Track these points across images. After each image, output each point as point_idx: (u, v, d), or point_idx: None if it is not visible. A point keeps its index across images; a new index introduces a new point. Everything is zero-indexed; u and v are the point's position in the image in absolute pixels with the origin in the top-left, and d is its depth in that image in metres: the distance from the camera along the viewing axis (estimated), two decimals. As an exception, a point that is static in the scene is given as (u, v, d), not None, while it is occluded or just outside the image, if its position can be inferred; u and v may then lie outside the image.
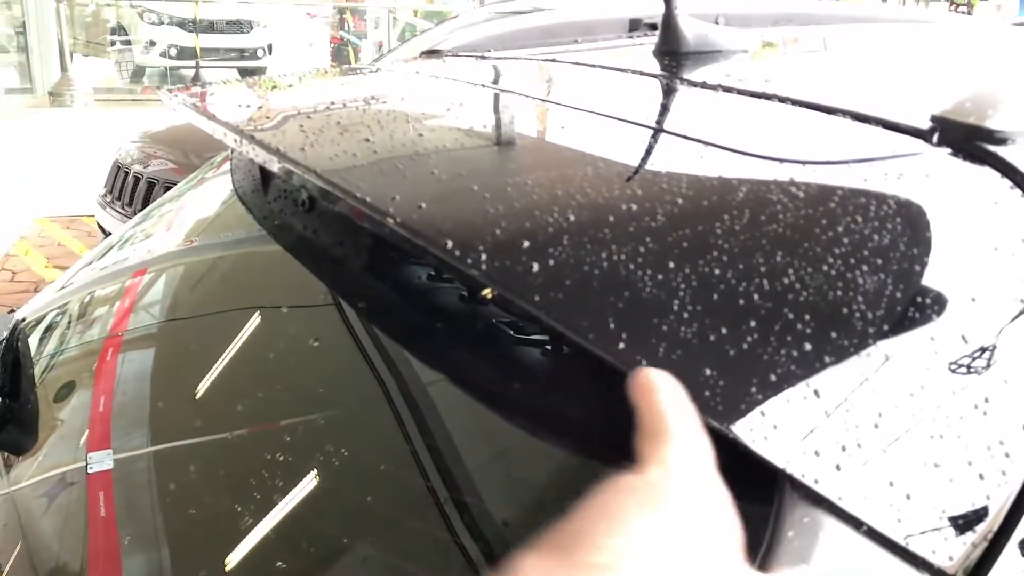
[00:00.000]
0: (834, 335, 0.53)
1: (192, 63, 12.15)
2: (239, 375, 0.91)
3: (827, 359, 0.52)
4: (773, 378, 0.51)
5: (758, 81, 0.94)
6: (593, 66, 1.12)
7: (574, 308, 0.52)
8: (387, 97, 0.98)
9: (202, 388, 0.90)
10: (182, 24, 12.51)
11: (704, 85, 0.94)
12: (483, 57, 1.33)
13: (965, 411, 0.53)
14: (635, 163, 0.69)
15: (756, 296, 0.54)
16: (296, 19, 15.50)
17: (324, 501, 0.73)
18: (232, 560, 0.71)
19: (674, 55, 1.13)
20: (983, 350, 0.55)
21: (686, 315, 0.52)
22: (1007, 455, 0.53)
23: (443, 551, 0.65)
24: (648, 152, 0.73)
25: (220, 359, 0.91)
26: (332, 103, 0.96)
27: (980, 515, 0.51)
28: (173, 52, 12.54)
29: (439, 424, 0.70)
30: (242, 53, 13.11)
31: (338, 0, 15.03)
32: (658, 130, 0.77)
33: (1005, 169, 0.65)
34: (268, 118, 0.87)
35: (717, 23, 1.82)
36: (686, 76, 1.00)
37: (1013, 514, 0.52)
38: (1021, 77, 0.98)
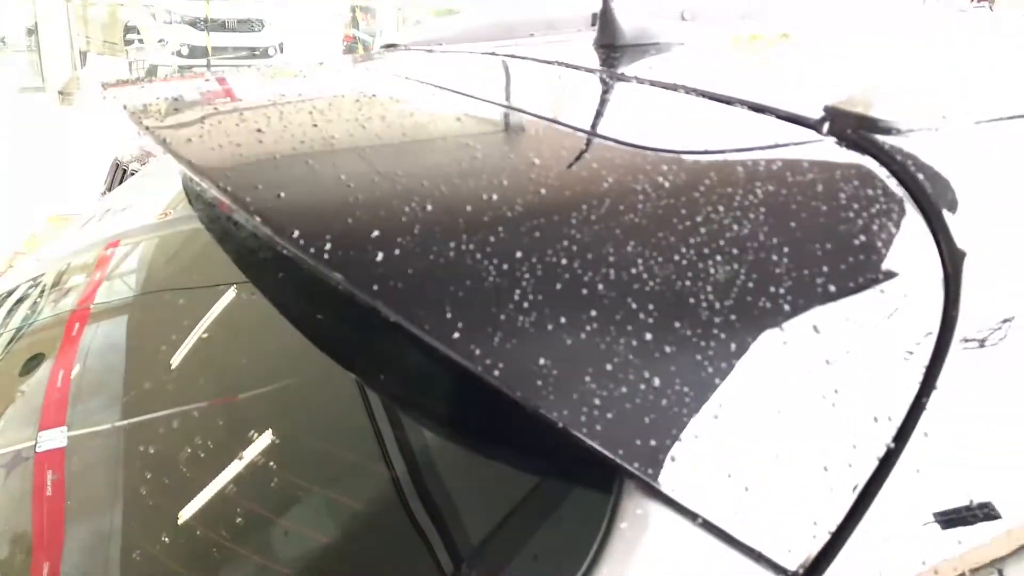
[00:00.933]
0: (677, 325, 0.52)
1: (204, 61, 12.24)
2: (202, 351, 0.91)
3: (668, 349, 0.51)
4: (609, 368, 0.50)
5: (672, 73, 0.94)
6: (518, 58, 1.12)
7: (412, 298, 0.51)
8: (305, 90, 0.98)
9: (166, 364, 0.91)
10: (194, 23, 12.59)
11: (618, 77, 0.93)
12: (429, 51, 1.33)
13: (812, 403, 0.52)
14: (514, 153, 0.69)
15: (601, 286, 0.53)
16: (309, 17, 15.53)
17: (286, 477, 0.73)
18: (182, 540, 0.71)
19: (610, 48, 1.12)
20: (837, 340, 0.54)
21: (525, 305, 0.52)
22: (854, 447, 0.52)
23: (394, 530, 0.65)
24: (531, 142, 0.72)
25: (184, 336, 0.91)
26: (244, 98, 0.96)
27: (822, 508, 0.51)
28: (185, 51, 12.61)
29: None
30: (253, 51, 13.18)
31: (350, -2, 15.08)
32: (552, 121, 0.77)
33: (886, 159, 0.64)
34: (177, 111, 0.87)
35: (684, 18, 1.82)
36: (603, 68, 1.00)
37: (857, 507, 0.51)
38: (940, 67, 0.97)
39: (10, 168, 6.76)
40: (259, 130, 0.74)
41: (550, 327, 0.51)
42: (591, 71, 1.01)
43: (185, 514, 0.72)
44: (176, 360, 0.89)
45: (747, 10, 1.83)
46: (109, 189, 4.11)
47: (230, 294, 0.93)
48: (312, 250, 0.53)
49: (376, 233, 0.55)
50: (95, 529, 0.80)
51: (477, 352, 0.49)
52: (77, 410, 0.94)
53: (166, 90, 1.09)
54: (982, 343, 0.57)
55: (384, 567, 0.61)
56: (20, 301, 1.25)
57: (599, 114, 0.83)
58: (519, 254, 0.54)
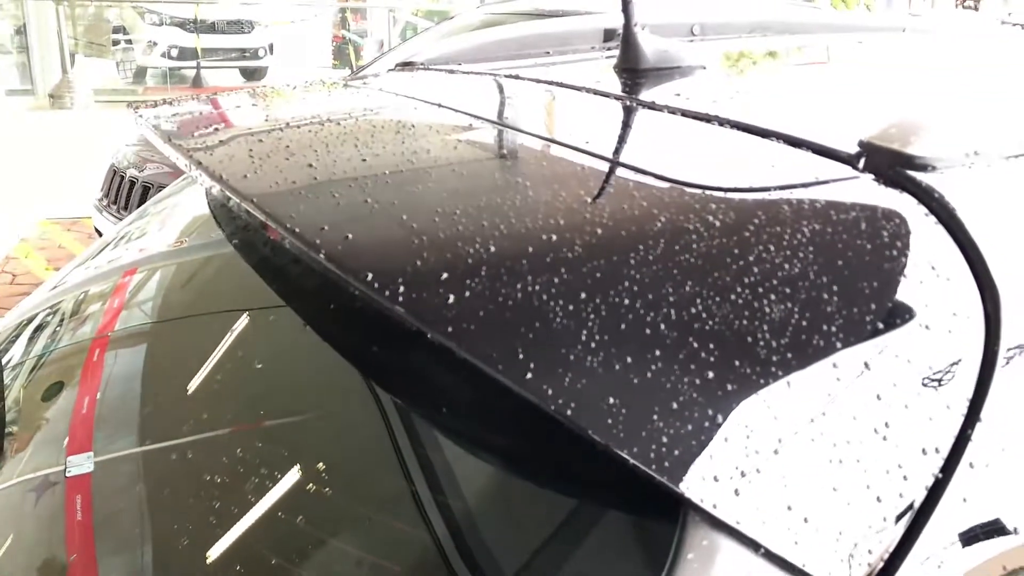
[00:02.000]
0: (737, 363, 0.55)
1: (193, 63, 12.20)
2: (224, 377, 0.93)
3: (729, 387, 0.54)
4: (675, 406, 0.53)
5: (703, 101, 0.96)
6: (545, 83, 1.14)
7: (484, 339, 0.54)
8: (342, 118, 1.00)
9: (188, 390, 0.92)
10: (183, 24, 12.55)
11: (652, 106, 0.96)
12: (451, 72, 1.35)
13: (865, 436, 0.55)
14: (564, 191, 0.71)
15: (663, 326, 0.56)
16: (298, 18, 15.51)
17: (309, 503, 0.75)
18: (212, 565, 0.73)
19: (633, 72, 1.15)
20: (885, 375, 0.57)
21: (593, 345, 0.54)
22: (904, 478, 0.55)
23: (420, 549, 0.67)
24: (578, 178, 0.74)
25: (204, 361, 0.93)
26: (287, 124, 0.99)
27: (877, 537, 0.53)
28: (174, 53, 12.57)
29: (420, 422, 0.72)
30: (243, 53, 13.15)
31: (340, -1, 15.07)
32: (592, 154, 0.79)
33: (924, 197, 0.67)
34: (221, 142, 0.90)
35: (693, 33, 1.84)
36: (632, 95, 1.02)
37: (909, 535, 0.54)
38: (962, 94, 0.99)
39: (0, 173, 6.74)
40: (310, 165, 0.77)
41: (617, 367, 0.53)
42: (621, 99, 1.03)
43: (210, 539, 0.74)
44: (196, 386, 0.91)
45: (754, 24, 1.86)
46: (106, 194, 4.12)
47: (247, 320, 0.95)
48: (387, 293, 0.55)
49: (445, 275, 0.57)
50: (125, 553, 0.82)
51: (550, 392, 0.52)
52: (102, 435, 0.96)
53: (194, 108, 1.11)
54: (1022, 377, 0.59)
55: None
56: (40, 329, 1.26)
57: (643, 149, 0.86)
58: (583, 295, 0.57)
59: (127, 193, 3.96)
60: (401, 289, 0.56)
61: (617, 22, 1.87)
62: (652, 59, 1.15)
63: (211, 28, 12.75)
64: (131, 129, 4.49)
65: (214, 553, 0.73)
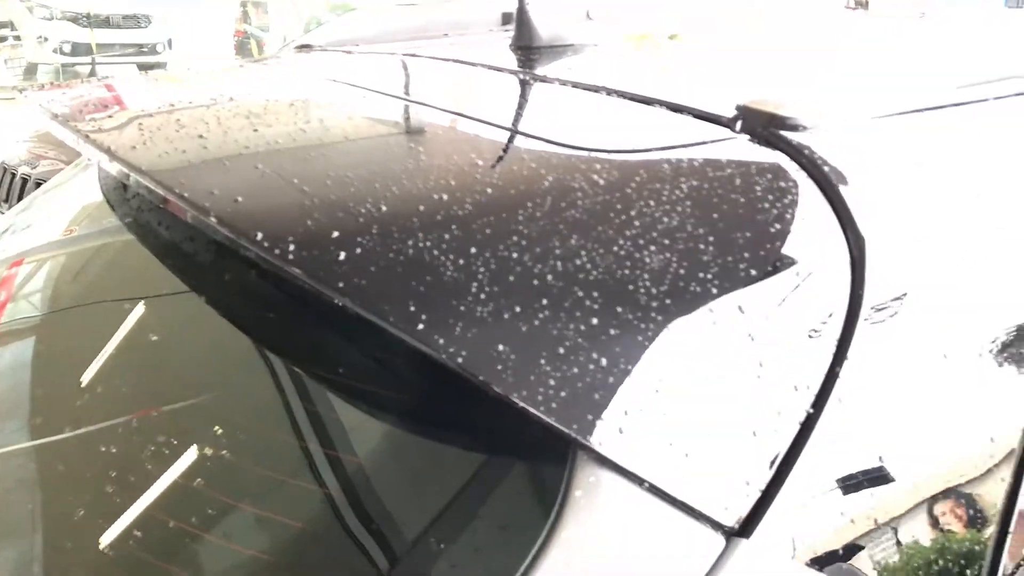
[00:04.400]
0: (619, 309, 0.57)
1: (88, 59, 11.79)
2: (115, 365, 0.92)
3: (612, 332, 0.56)
4: (561, 351, 0.55)
5: (592, 75, 0.99)
6: (438, 59, 1.16)
7: (377, 294, 0.55)
8: (235, 94, 1.00)
9: (78, 380, 0.91)
10: (75, 19, 12.10)
11: (544, 79, 0.98)
12: (347, 52, 1.35)
13: (740, 375, 0.58)
14: (456, 154, 0.73)
15: (550, 276, 0.58)
16: (198, 12, 15.13)
17: (199, 491, 0.74)
18: (101, 556, 0.72)
19: (527, 49, 1.17)
20: (759, 318, 0.60)
21: (483, 296, 0.56)
22: (778, 413, 0.58)
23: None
24: (468, 143, 0.76)
25: (94, 351, 0.92)
26: (180, 102, 0.97)
27: (753, 469, 0.56)
28: (67, 48, 12.10)
29: (303, 401, 0.73)
30: (140, 48, 12.75)
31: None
32: (481, 121, 0.81)
33: (795, 154, 0.71)
34: (111, 118, 0.88)
35: (589, 17, 1.88)
36: (522, 69, 1.05)
37: (783, 467, 0.57)
38: (833, 67, 1.05)
39: None
40: (201, 136, 0.76)
41: (506, 316, 0.55)
42: (515, 73, 1.05)
43: (104, 531, 0.74)
44: (90, 375, 0.90)
45: (646, 7, 1.91)
46: (-3, 193, 3.96)
47: (137, 309, 0.94)
48: (276, 252, 0.56)
49: (336, 234, 0.58)
50: (14, 546, 0.80)
51: (441, 341, 0.53)
52: None
53: (86, 93, 1.09)
54: (885, 318, 0.64)
55: (357, 552, 0.64)
56: None
57: (533, 116, 0.88)
58: (473, 249, 0.59)
59: (19, 191, 3.81)
60: (291, 248, 0.56)
61: (510, 8, 1.90)
62: (546, 37, 1.17)
63: (106, 22, 12.33)
64: (22, 125, 4.32)
65: (105, 546, 0.73)
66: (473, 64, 1.10)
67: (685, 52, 1.28)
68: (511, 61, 1.12)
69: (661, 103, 0.83)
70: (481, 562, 0.56)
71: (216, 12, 15.17)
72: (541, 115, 0.88)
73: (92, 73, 11.71)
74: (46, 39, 12.06)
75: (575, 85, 0.93)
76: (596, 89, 0.90)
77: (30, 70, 12.51)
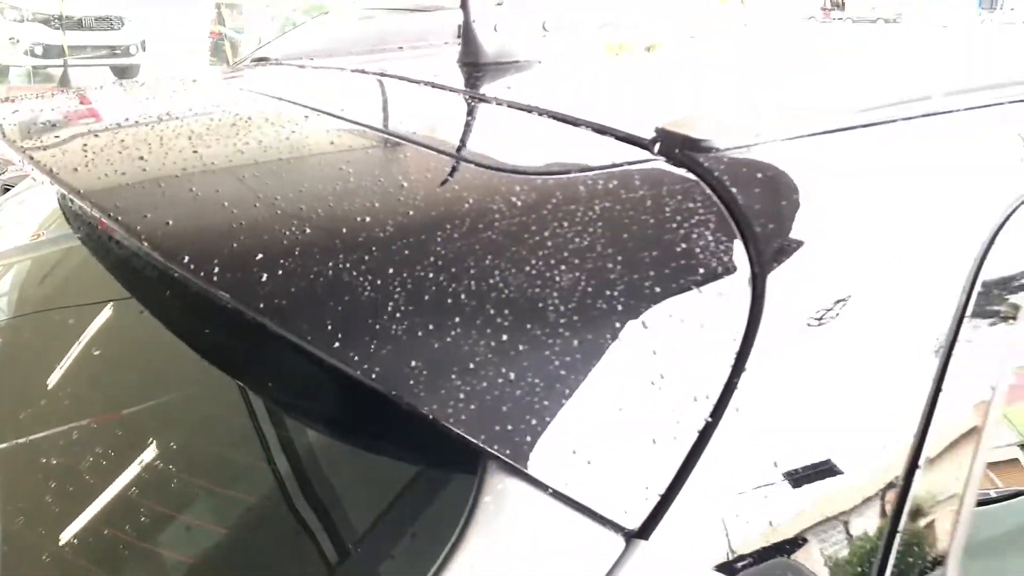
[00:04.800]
0: (529, 326, 0.61)
1: (60, 61, 11.69)
2: (72, 371, 0.94)
3: (521, 347, 0.60)
4: (471, 366, 0.58)
5: (528, 94, 1.03)
6: (385, 76, 1.20)
7: (295, 314, 0.59)
8: (182, 113, 1.03)
9: (36, 385, 0.93)
10: (47, 20, 12.00)
11: (480, 98, 1.02)
12: (300, 67, 1.38)
13: (642, 386, 0.62)
14: (383, 176, 0.76)
15: (462, 295, 0.61)
16: (172, 13, 15.05)
17: (158, 485, 0.77)
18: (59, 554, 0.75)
19: (472, 66, 1.20)
20: (661, 332, 0.64)
21: (397, 315, 0.60)
22: (677, 422, 0.62)
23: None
24: (397, 164, 0.80)
25: (53, 356, 0.94)
26: (126, 120, 1.00)
27: (652, 475, 0.60)
28: (39, 50, 12.01)
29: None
30: (114, 50, 12.67)
31: (215, -6, 14.70)
32: (418, 144, 0.85)
33: (705, 175, 0.75)
34: (59, 136, 0.91)
35: (545, 28, 1.92)
36: (467, 88, 1.08)
37: (681, 473, 0.61)
38: (764, 83, 1.09)
39: None
40: (142, 157, 0.79)
41: (420, 333, 0.59)
42: (455, 91, 1.09)
43: (62, 529, 0.77)
44: (55, 378, 0.93)
45: (604, 20, 1.95)
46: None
47: (96, 314, 0.97)
48: (202, 274, 0.59)
49: (260, 256, 0.62)
50: None
51: (355, 358, 0.57)
52: None
53: (38, 107, 1.12)
54: (783, 331, 0.68)
55: (276, 557, 0.67)
56: None
57: (462, 136, 0.92)
58: (391, 270, 0.62)
59: (-13, 196, 3.80)
60: (216, 270, 0.60)
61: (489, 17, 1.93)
62: (491, 54, 1.21)
63: (78, 24, 12.23)
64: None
65: (64, 544, 0.76)
66: (413, 81, 1.13)
67: (630, 67, 1.32)
68: (452, 78, 1.15)
69: (587, 124, 0.87)
70: (393, 566, 0.60)
71: (190, 13, 15.10)
72: (470, 136, 0.92)
73: (64, 75, 11.62)
74: (17, 41, 11.96)
75: (510, 105, 0.97)
76: (529, 109, 0.94)
77: (1, 72, 12.40)
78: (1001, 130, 0.91)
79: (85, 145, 0.84)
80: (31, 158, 0.79)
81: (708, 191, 0.73)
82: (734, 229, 0.71)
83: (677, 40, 1.67)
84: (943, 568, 0.68)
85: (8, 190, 3.66)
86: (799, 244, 0.73)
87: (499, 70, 1.18)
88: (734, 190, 0.73)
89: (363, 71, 1.24)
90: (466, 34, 1.21)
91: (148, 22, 13.35)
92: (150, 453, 0.79)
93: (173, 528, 0.72)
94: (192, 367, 0.81)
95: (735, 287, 0.68)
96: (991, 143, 0.88)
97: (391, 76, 1.20)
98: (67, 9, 11.92)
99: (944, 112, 0.88)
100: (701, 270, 0.67)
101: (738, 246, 0.70)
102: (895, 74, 1.10)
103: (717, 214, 0.72)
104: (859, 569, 0.67)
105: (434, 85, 1.10)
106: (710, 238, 0.70)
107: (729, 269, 0.68)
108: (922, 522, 0.68)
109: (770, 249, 0.70)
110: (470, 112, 0.99)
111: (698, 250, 0.69)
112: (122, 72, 12.96)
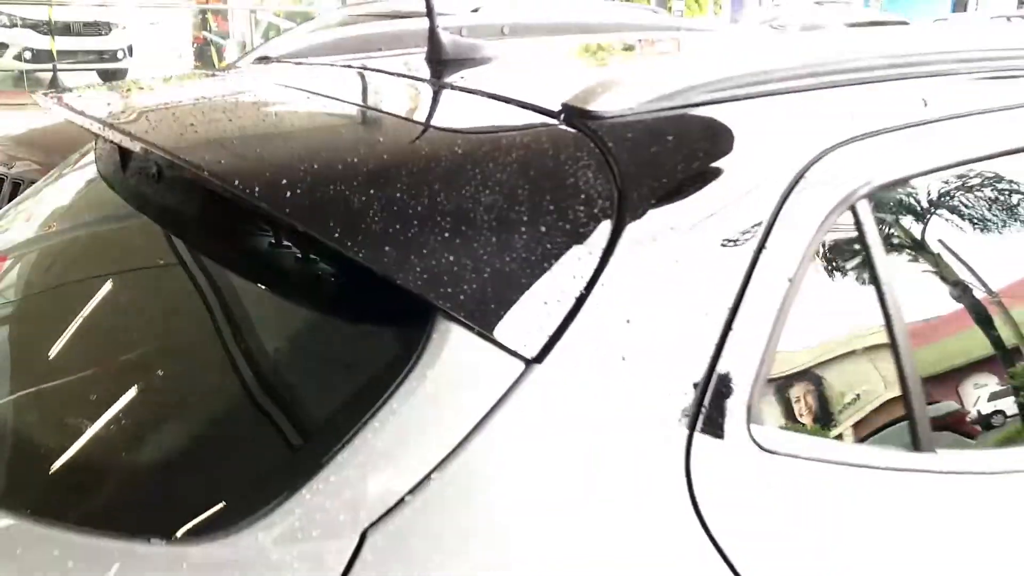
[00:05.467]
0: (464, 228, 0.93)
1: (49, 66, 11.96)
2: (86, 336, 1.22)
3: (457, 240, 0.92)
4: (426, 252, 0.90)
5: (477, 82, 1.35)
6: (367, 70, 1.52)
7: (314, 215, 0.90)
8: (212, 94, 1.35)
9: (76, 345, 1.22)
10: (36, 26, 12.26)
11: (440, 85, 1.35)
12: (298, 64, 1.70)
13: (541, 264, 0.93)
14: (366, 134, 1.08)
15: (420, 207, 0.93)
16: (158, 19, 15.32)
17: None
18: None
19: (436, 62, 1.52)
20: (555, 228, 0.95)
21: (378, 217, 0.91)
22: (562, 288, 0.93)
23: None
24: (376, 128, 1.12)
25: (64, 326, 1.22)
26: (171, 100, 1.32)
27: (547, 319, 0.91)
28: (28, 55, 12.27)
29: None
30: (101, 55, 12.94)
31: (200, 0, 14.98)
32: (387, 113, 1.17)
33: (593, 137, 1.06)
34: (123, 112, 1.23)
35: (504, 33, 2.24)
36: (431, 79, 1.41)
37: (572, 313, 0.91)
38: (659, 64, 1.40)
39: None
40: (191, 124, 1.11)
41: (392, 230, 0.91)
42: (419, 80, 1.41)
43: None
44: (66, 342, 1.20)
45: (555, 26, 2.27)
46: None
47: (104, 290, 1.25)
48: (247, 190, 0.91)
49: (284, 181, 0.94)
50: None
51: (351, 246, 0.89)
52: None
53: (97, 96, 1.43)
54: (643, 234, 0.99)
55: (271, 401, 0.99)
56: None
57: (420, 109, 1.25)
58: (371, 190, 0.94)
59: (-4, 190, 4.08)
60: (257, 189, 0.91)
61: (460, 22, 2.25)
62: (451, 52, 1.52)
63: (67, 30, 12.50)
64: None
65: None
66: (388, 73, 1.46)
67: (564, 60, 1.65)
68: (419, 71, 1.48)
69: (517, 102, 1.19)
70: (361, 389, 0.90)
71: (176, 19, 15.37)
72: (427, 109, 1.25)
73: (54, 79, 11.89)
74: (7, 46, 12.21)
75: (461, 89, 1.29)
76: (475, 92, 1.26)
77: (-9, 77, 12.66)
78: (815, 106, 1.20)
79: (147, 116, 1.15)
80: (111, 126, 1.11)
81: (593, 146, 1.05)
82: (610, 171, 1.02)
83: (607, 40, 2.00)
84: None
85: (19, 185, 3.94)
86: (657, 182, 1.04)
87: (457, 65, 1.50)
88: (611, 145, 1.05)
89: (349, 66, 1.56)
90: (431, 37, 1.53)
91: (135, 28, 13.62)
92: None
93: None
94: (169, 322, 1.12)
95: (608, 208, 0.99)
96: (806, 117, 1.19)
97: (370, 69, 1.52)
98: (56, 15, 12.17)
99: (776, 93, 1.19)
100: (583, 196, 0.99)
101: (612, 181, 1.01)
102: (748, 61, 1.35)
103: (598, 160, 1.03)
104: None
105: (403, 76, 1.42)
106: (592, 177, 1.01)
107: (605, 196, 1.00)
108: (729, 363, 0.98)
109: (634, 184, 1.02)
110: (429, 94, 1.32)
111: (584, 183, 1.00)
112: (109, 76, 13.22)
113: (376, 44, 1.99)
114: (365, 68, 1.54)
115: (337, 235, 0.90)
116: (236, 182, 0.92)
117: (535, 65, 1.61)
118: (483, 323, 0.89)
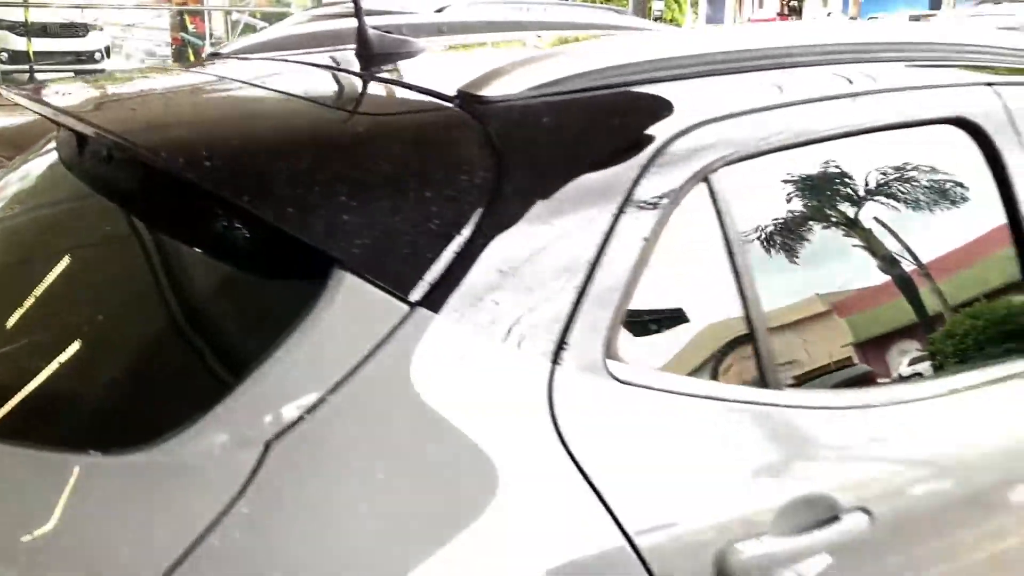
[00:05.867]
0: (364, 193, 1.10)
1: (26, 67, 12.06)
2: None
3: (355, 203, 1.09)
4: (333, 212, 1.07)
5: (393, 72, 1.53)
6: (301, 63, 1.70)
7: (238, 184, 1.08)
8: (158, 86, 1.53)
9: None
10: (12, 28, 12.35)
11: (360, 76, 1.53)
12: (243, 58, 1.87)
13: (420, 223, 1.10)
14: (291, 116, 1.26)
15: (327, 174, 1.11)
16: (136, 21, 15.44)
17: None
18: None
19: (363, 56, 1.69)
20: (439, 185, 1.13)
21: (292, 183, 1.09)
22: (447, 235, 1.11)
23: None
24: (300, 112, 1.31)
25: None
26: (118, 91, 1.50)
27: (437, 262, 1.08)
28: (5, 56, 12.37)
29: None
30: (79, 56, 13.05)
31: (176, 2, 15.10)
32: (313, 101, 1.36)
33: (479, 118, 1.24)
34: (79, 101, 1.40)
35: (441, 31, 2.41)
36: (348, 70, 1.59)
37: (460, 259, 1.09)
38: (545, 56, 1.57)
39: None
40: (132, 110, 1.28)
41: (308, 195, 1.08)
42: (344, 72, 1.59)
43: None
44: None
45: (488, 25, 2.45)
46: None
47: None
48: (175, 164, 1.09)
49: (206, 153, 1.11)
50: None
51: (265, 209, 1.06)
52: None
53: (62, 89, 1.60)
54: (515, 206, 1.16)
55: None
56: None
57: (337, 96, 1.43)
58: (288, 160, 1.12)
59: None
60: (182, 161, 1.09)
61: (400, 21, 2.42)
62: (377, 47, 1.69)
63: (43, 31, 12.60)
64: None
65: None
66: (316, 66, 1.64)
67: (476, 53, 1.83)
68: (345, 64, 1.65)
69: (424, 90, 1.37)
70: (269, 327, 1.07)
71: (154, 20, 15.48)
72: (344, 96, 1.43)
73: (31, 80, 11.99)
74: (-17, 48, 12.34)
75: (377, 79, 1.47)
76: (387, 81, 1.44)
77: (-32, 78, 12.74)
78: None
79: (98, 105, 1.32)
80: (64, 112, 1.28)
81: (478, 125, 1.23)
82: (491, 146, 1.20)
83: (526, 36, 2.18)
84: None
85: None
86: (532, 155, 1.22)
87: (382, 59, 1.67)
88: (494, 124, 1.23)
89: (285, 60, 1.74)
90: (359, 34, 1.70)
91: (112, 29, 13.74)
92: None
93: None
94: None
95: (488, 176, 1.16)
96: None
97: (301, 63, 1.69)
98: (33, 17, 12.27)
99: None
100: (467, 166, 1.17)
101: (493, 154, 1.19)
102: (622, 54, 1.50)
103: (482, 137, 1.21)
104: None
105: (328, 68, 1.60)
106: (476, 151, 1.19)
107: (486, 167, 1.17)
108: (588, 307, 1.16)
109: (512, 157, 1.19)
110: (347, 83, 1.49)
111: (468, 156, 1.18)
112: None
113: (320, 41, 2.15)
114: (297, 62, 1.71)
115: (248, 199, 1.07)
116: (164, 155, 1.10)
117: (451, 59, 1.79)
118: (373, 271, 1.06)
